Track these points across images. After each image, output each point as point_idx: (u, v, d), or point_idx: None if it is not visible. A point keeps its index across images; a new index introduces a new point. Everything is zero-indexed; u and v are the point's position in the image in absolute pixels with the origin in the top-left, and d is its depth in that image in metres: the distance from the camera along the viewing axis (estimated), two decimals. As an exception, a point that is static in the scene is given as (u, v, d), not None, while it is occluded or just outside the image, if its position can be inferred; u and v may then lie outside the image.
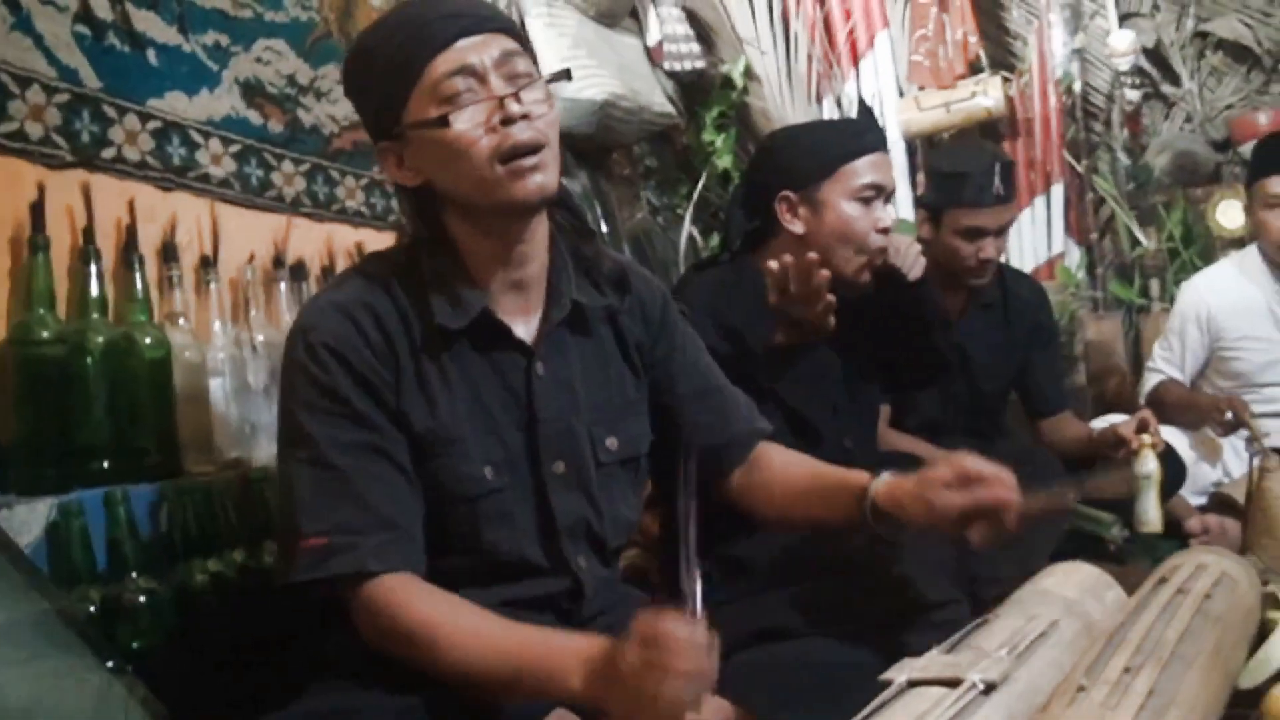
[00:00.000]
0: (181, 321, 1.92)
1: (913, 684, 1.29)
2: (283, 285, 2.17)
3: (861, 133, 2.23)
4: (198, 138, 2.04)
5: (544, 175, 1.41)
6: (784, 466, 1.71)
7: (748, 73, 4.21)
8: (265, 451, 2.00)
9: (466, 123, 1.37)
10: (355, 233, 2.46)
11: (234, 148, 2.12)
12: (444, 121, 1.37)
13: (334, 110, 2.39)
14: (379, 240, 2.52)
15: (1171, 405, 3.24)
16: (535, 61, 1.48)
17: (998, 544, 1.50)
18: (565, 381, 1.52)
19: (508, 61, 1.41)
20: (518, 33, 1.48)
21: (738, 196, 2.35)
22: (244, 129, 2.15)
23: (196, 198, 2.04)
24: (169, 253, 1.94)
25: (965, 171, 2.74)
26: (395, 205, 2.59)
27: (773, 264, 1.95)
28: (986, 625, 1.48)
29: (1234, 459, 3.16)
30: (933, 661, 1.35)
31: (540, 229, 1.50)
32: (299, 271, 2.21)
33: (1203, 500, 3.02)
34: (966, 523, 1.46)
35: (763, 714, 1.41)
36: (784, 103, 4.28)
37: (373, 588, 1.33)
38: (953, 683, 1.27)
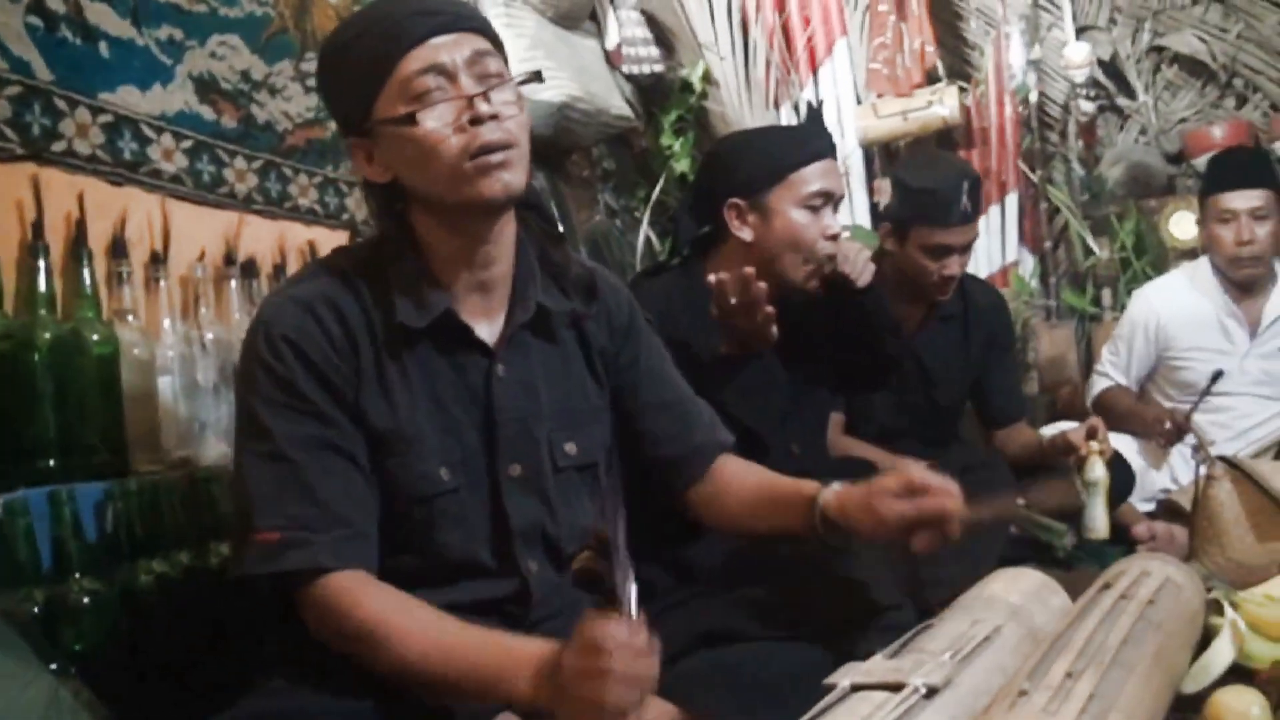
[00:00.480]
0: (130, 318, 1.91)
1: (856, 688, 1.30)
2: (234, 283, 2.15)
3: (809, 140, 2.24)
4: (150, 133, 2.02)
5: (511, 174, 1.41)
6: (738, 477, 1.72)
7: (706, 77, 4.22)
8: (214, 451, 1.99)
9: (436, 121, 1.38)
10: (308, 231, 2.44)
11: (186, 143, 2.10)
12: (412, 119, 1.37)
13: (288, 107, 2.38)
14: (331, 238, 2.50)
15: (1117, 413, 3.28)
16: (506, 62, 1.48)
17: (941, 550, 1.52)
18: (526, 384, 1.52)
19: (479, 61, 1.41)
20: (491, 33, 1.48)
21: (687, 202, 2.36)
22: (197, 124, 2.13)
23: (147, 193, 2.02)
24: (119, 248, 1.92)
25: (933, 189, 2.72)
26: (348, 204, 2.57)
27: (712, 277, 1.96)
28: (931, 629, 1.50)
29: (1182, 466, 3.20)
30: (876, 666, 1.36)
31: (507, 230, 1.50)
32: (250, 269, 2.19)
33: (1151, 507, 3.06)
34: (911, 531, 1.48)
35: (708, 718, 1.41)
36: (742, 108, 4.29)
37: (325, 585, 1.32)
38: (895, 687, 1.27)
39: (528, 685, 1.23)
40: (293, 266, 2.34)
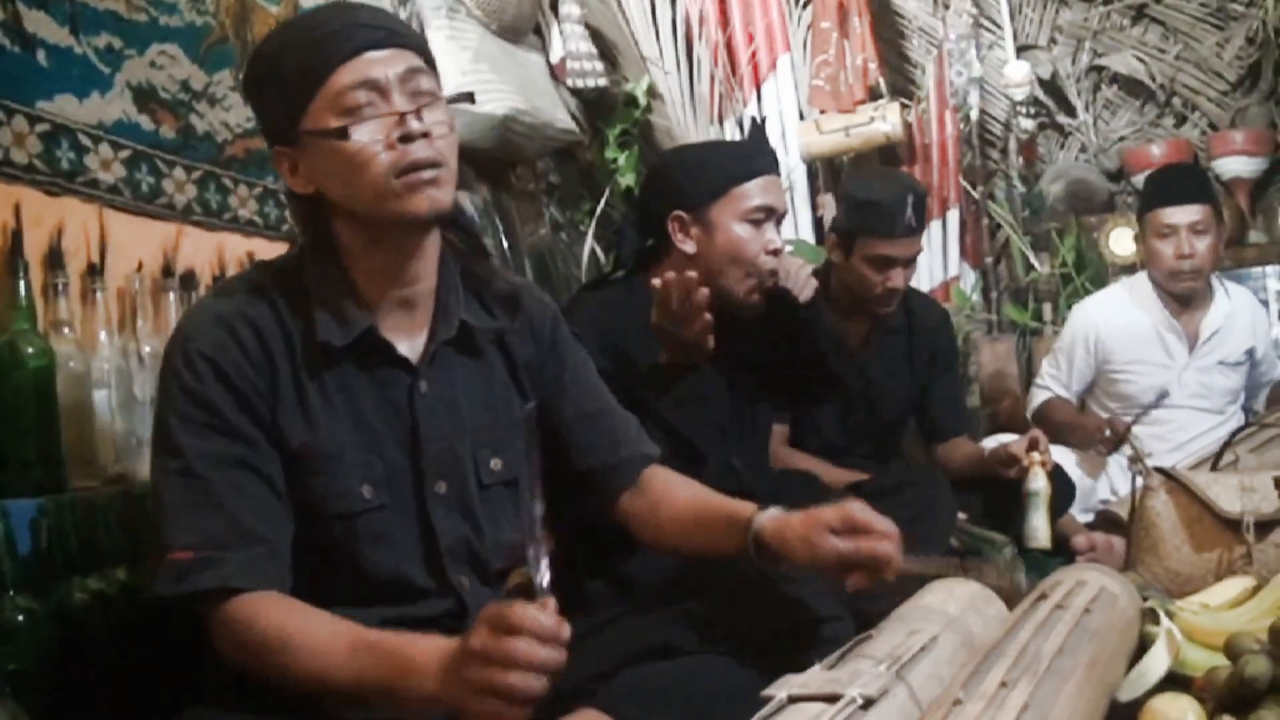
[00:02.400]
0: (66, 331, 1.87)
1: (793, 700, 1.30)
2: (172, 295, 2.12)
3: (752, 155, 2.26)
4: (87, 142, 1.99)
5: (439, 191, 1.41)
6: (670, 492, 1.72)
7: (651, 91, 4.24)
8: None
9: (366, 136, 1.37)
10: (247, 242, 2.42)
11: (124, 153, 2.07)
12: (343, 133, 1.36)
13: (228, 117, 2.35)
14: (271, 250, 2.48)
15: (1057, 423, 3.32)
16: (439, 81, 1.47)
17: (873, 591, 1.54)
18: (449, 401, 1.51)
19: (412, 78, 1.41)
20: (425, 50, 1.48)
21: (631, 216, 2.37)
22: (135, 134, 2.10)
23: (84, 204, 1.98)
24: (54, 259, 1.88)
25: (878, 201, 2.76)
26: (288, 215, 2.55)
27: (656, 281, 1.97)
28: (869, 641, 1.50)
29: (1120, 477, 3.24)
30: (813, 678, 1.36)
31: (431, 247, 1.50)
32: (189, 281, 2.16)
33: (1089, 518, 3.10)
34: (846, 569, 1.49)
35: (646, 732, 1.41)
36: (687, 122, 4.31)
37: (234, 604, 1.30)
38: (832, 698, 1.28)
39: (433, 681, 1.19)
40: (232, 278, 2.32)
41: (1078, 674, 1.38)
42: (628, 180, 4.11)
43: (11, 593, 1.53)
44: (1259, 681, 1.44)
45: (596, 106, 4.10)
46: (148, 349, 2.00)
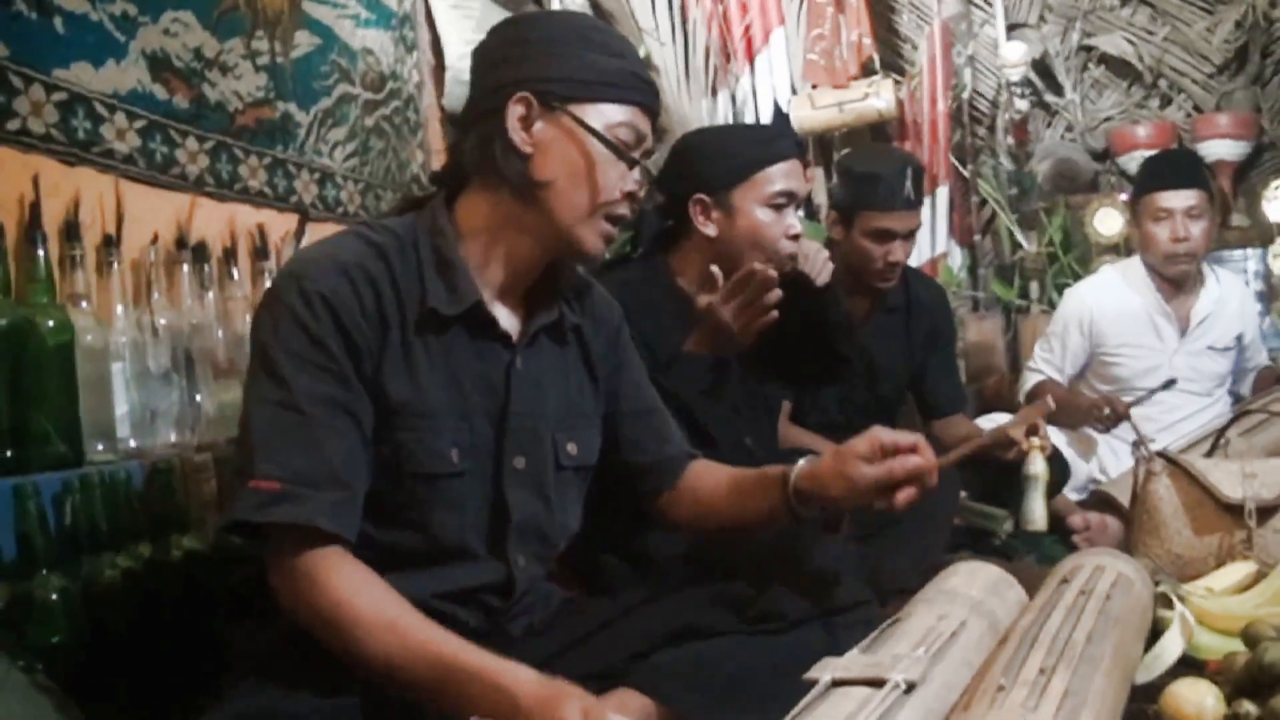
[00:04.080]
0: (84, 304, 1.85)
1: (836, 683, 1.32)
2: (185, 268, 2.10)
3: (775, 139, 2.27)
4: (103, 111, 1.96)
5: (607, 246, 1.53)
6: (708, 477, 1.75)
7: (647, 62, 4.22)
8: (166, 439, 1.95)
9: (615, 168, 1.48)
10: (257, 213, 2.39)
11: (139, 123, 2.04)
12: (617, 149, 1.47)
13: (239, 86, 2.32)
14: (281, 222, 2.46)
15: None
16: None
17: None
18: (538, 382, 1.54)
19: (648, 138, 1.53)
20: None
21: (651, 196, 2.37)
22: (150, 104, 2.07)
23: (100, 174, 1.96)
24: (71, 231, 1.86)
25: (877, 174, 2.79)
26: (296, 185, 2.53)
27: (716, 269, 2.00)
28: (899, 625, 1.53)
29: (1110, 458, 3.30)
30: (854, 661, 1.38)
31: None
32: (201, 253, 2.14)
33: (1081, 496, 3.14)
34: (888, 492, 1.51)
35: (688, 713, 1.42)
36: (681, 95, 4.30)
37: (307, 554, 1.31)
38: (876, 682, 1.30)
39: (494, 708, 1.23)
40: (243, 250, 2.29)
41: (1106, 660, 1.42)
42: (623, 153, 4.10)
43: (45, 571, 1.53)
44: (1277, 667, 1.48)
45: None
46: (163, 321, 1.99)
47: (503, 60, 1.49)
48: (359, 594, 1.31)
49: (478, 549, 1.48)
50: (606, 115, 1.47)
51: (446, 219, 1.50)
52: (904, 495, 1.52)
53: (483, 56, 1.54)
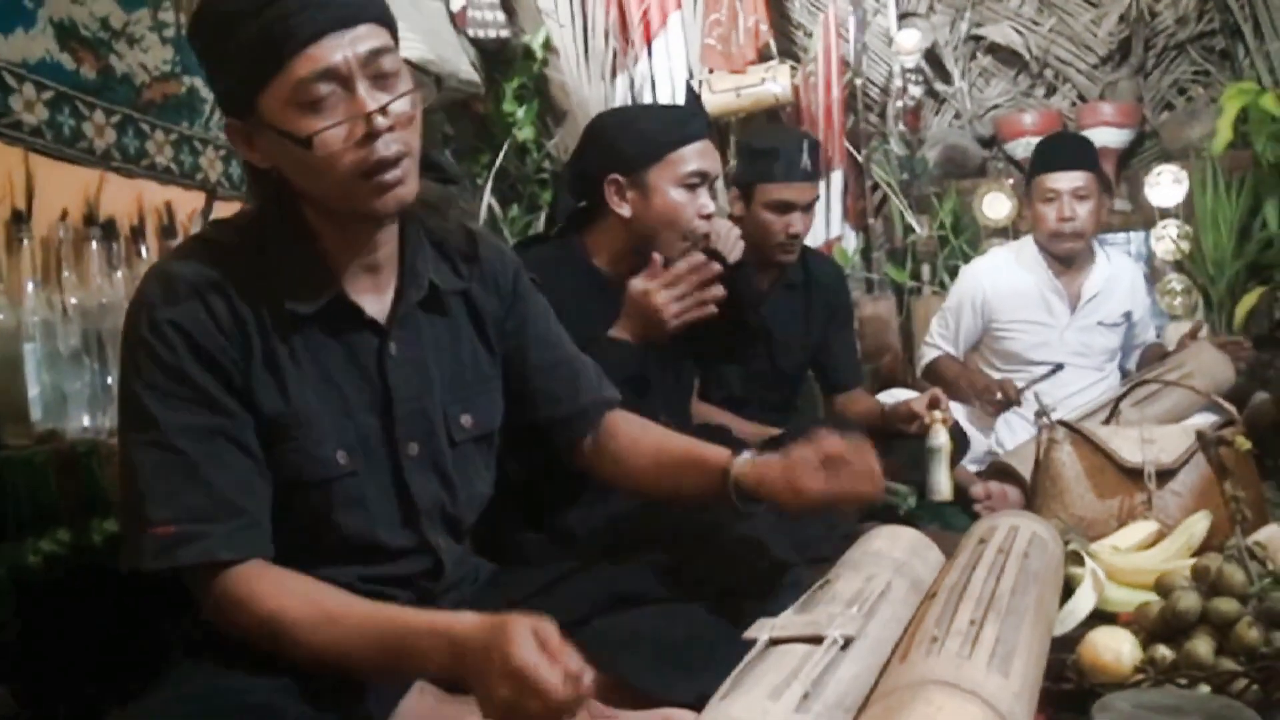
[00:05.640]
0: (-7, 282, 1.81)
1: (774, 642, 1.35)
2: (94, 245, 2.05)
3: (688, 120, 2.29)
4: (12, 81, 1.91)
5: (405, 187, 1.37)
6: (635, 435, 1.74)
7: (547, 45, 4.22)
8: (78, 423, 1.91)
9: (329, 136, 1.30)
10: (164, 191, 2.35)
11: (47, 94, 1.99)
12: (307, 143, 1.30)
13: (145, 59, 2.28)
14: (188, 199, 2.42)
15: (948, 380, 3.45)
16: (397, 43, 1.39)
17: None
18: (418, 361, 1.50)
19: (374, 60, 1.32)
20: (387, 20, 1.37)
21: (565, 176, 2.38)
22: (58, 74, 2.02)
23: (8, 146, 1.91)
24: (-19, 207, 1.82)
25: (775, 147, 2.88)
26: (202, 163, 2.49)
27: (696, 259, 2.05)
28: (829, 586, 1.56)
29: (1006, 431, 3.40)
30: (790, 621, 1.41)
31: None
32: (110, 231, 2.09)
33: (979, 467, 3.23)
34: (832, 502, 1.53)
35: (630, 678, 1.43)
36: (581, 77, 4.31)
37: (224, 578, 1.29)
38: (814, 639, 1.33)
39: (446, 659, 1.22)
40: (150, 228, 2.25)
41: (1030, 611, 1.47)
42: (525, 135, 4.10)
43: (-31, 558, 1.48)
44: (1190, 614, 1.57)
45: (494, 59, 4.07)
46: (73, 300, 1.94)
47: None
48: (285, 598, 1.29)
49: (395, 542, 1.47)
50: None
51: (297, 212, 1.42)
52: (846, 508, 1.57)
53: None
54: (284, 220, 1.41)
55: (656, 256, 2.01)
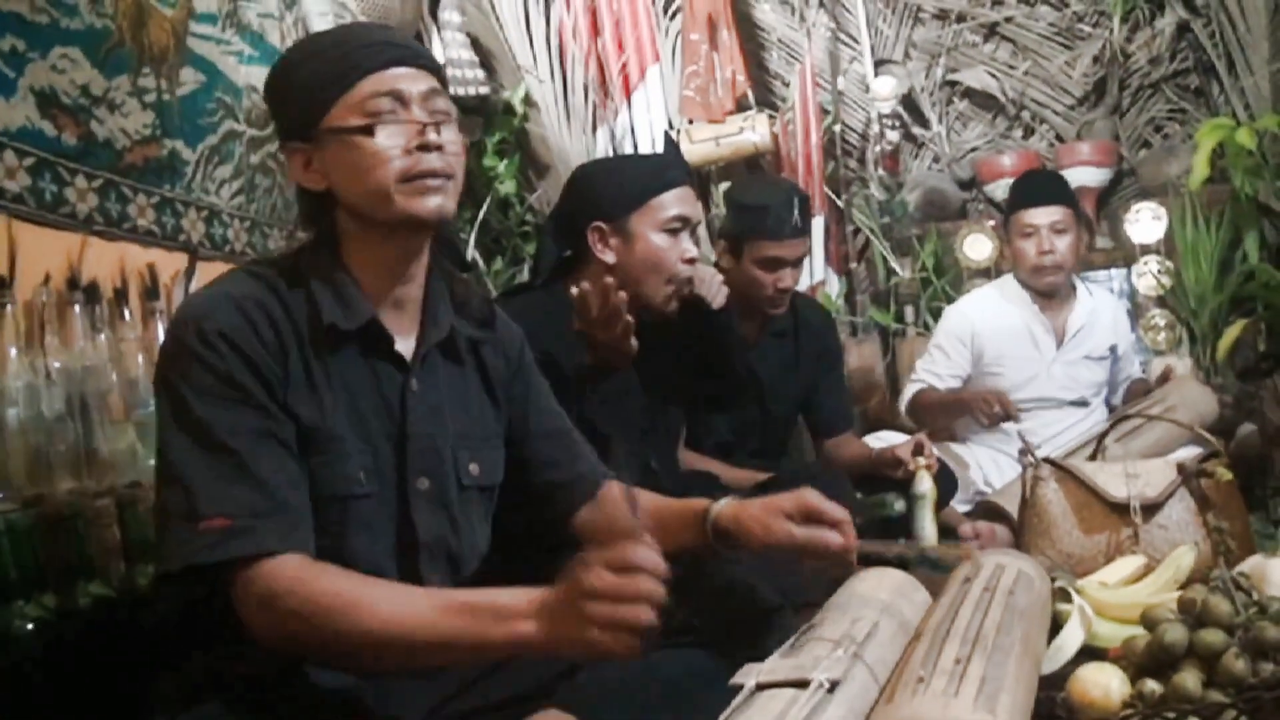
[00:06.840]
0: (-25, 348, 1.81)
1: (761, 687, 1.35)
2: (77, 309, 2.06)
3: (668, 167, 2.33)
4: (-8, 150, 1.92)
5: (444, 199, 1.47)
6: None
7: (527, 100, 4.27)
8: (64, 486, 1.90)
9: (386, 138, 1.43)
10: (146, 253, 2.36)
11: (29, 160, 2.00)
12: (368, 130, 1.42)
13: (126, 123, 2.30)
14: (170, 261, 2.43)
15: (935, 404, 3.46)
16: (453, 106, 1.54)
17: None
18: (435, 402, 1.55)
19: (432, 98, 1.48)
20: (443, 76, 1.55)
21: (549, 226, 2.40)
22: (39, 140, 2.04)
23: (-10, 215, 1.92)
24: (-37, 274, 1.82)
25: (765, 204, 2.87)
26: (184, 224, 2.50)
27: (575, 289, 2.02)
28: (815, 629, 1.56)
29: (993, 469, 3.40)
30: (777, 665, 1.41)
31: (424, 253, 1.55)
32: (93, 294, 2.10)
33: (968, 508, 3.23)
34: (802, 554, 1.59)
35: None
36: (562, 131, 4.35)
37: (274, 568, 1.31)
38: (800, 683, 1.34)
39: (533, 624, 1.25)
40: (134, 290, 2.26)
41: (1017, 649, 1.47)
42: (507, 189, 4.14)
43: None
44: (1177, 647, 1.57)
45: (476, 115, 4.11)
46: (56, 364, 1.94)
47: None
48: (341, 580, 1.32)
49: (391, 572, 1.48)
50: None
51: (332, 245, 1.52)
52: (811, 563, 1.60)
53: None
54: (324, 247, 1.51)
55: (574, 289, 2.03)
